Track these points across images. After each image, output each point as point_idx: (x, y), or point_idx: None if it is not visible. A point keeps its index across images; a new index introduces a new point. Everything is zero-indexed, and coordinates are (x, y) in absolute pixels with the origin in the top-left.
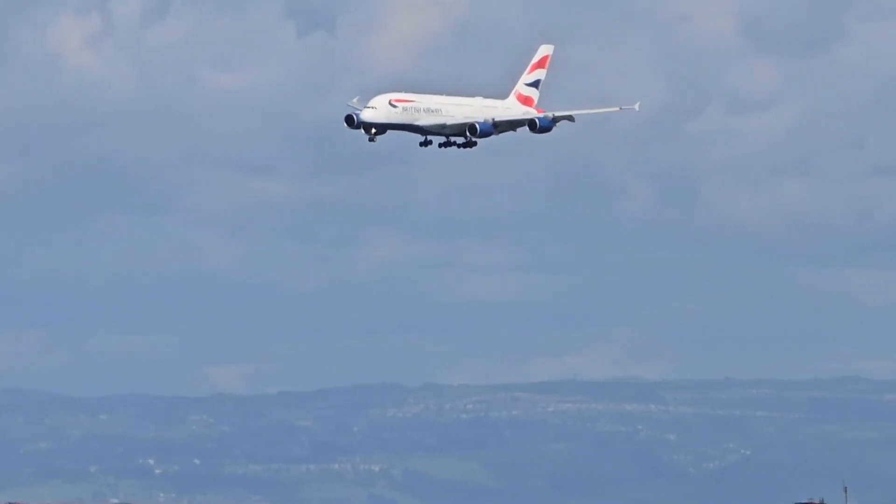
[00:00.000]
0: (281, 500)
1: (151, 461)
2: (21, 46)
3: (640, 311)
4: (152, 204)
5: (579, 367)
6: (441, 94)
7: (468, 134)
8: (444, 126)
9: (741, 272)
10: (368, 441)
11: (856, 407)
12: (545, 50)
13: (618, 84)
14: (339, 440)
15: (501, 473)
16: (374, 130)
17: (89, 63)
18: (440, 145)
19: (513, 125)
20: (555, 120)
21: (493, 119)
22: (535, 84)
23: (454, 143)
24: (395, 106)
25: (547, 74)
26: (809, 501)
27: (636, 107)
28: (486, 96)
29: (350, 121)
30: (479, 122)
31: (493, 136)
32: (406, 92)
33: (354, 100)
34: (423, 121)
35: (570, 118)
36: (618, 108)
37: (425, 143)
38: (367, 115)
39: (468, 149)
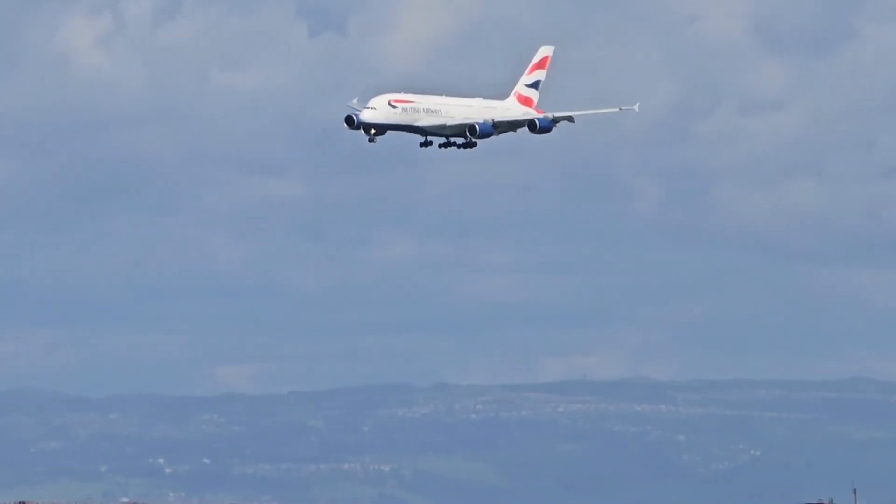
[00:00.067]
0: (290, 500)
1: (161, 460)
2: (32, 46)
3: (650, 311)
4: (162, 204)
5: (589, 368)
6: (441, 94)
7: (468, 134)
8: (443, 127)
9: (751, 273)
10: (378, 441)
11: (865, 408)
12: (545, 51)
13: (626, 85)
14: (349, 440)
15: (511, 473)
16: (373, 131)
17: (100, 63)
18: (440, 146)
19: (512, 126)
20: (554, 121)
21: (493, 120)
22: (535, 85)
23: (454, 144)
24: (394, 107)
25: (554, 75)
26: (819, 502)
27: (636, 107)
28: (486, 97)
29: (350, 121)
30: (478, 123)
31: (493, 137)
32: (406, 92)
33: (354, 100)
34: (423, 121)
35: (569, 119)
36: (617, 109)
37: (425, 144)
38: (366, 116)
39: (468, 149)
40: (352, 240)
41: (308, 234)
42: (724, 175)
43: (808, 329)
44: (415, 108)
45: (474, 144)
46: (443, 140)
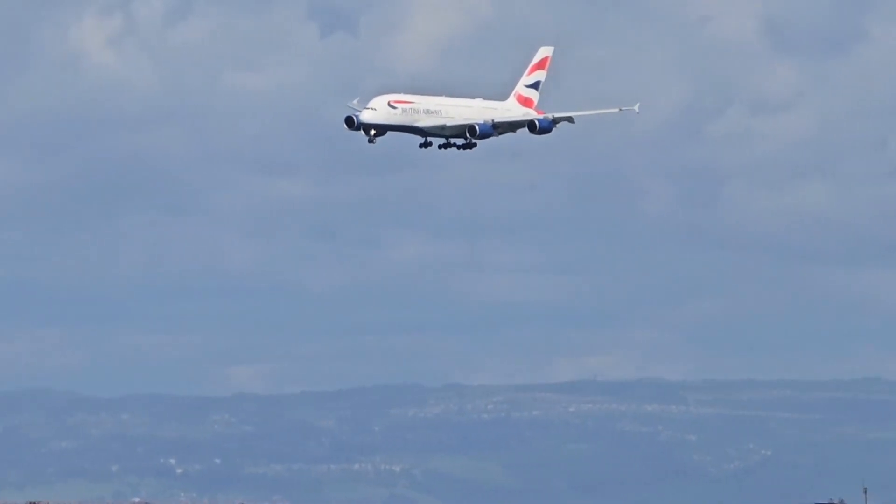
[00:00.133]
0: (302, 500)
1: (173, 461)
2: (43, 47)
3: (661, 311)
4: (174, 204)
5: (600, 368)
6: (441, 95)
7: (468, 135)
8: (443, 127)
9: (762, 273)
10: (389, 441)
11: (877, 408)
12: (545, 51)
13: (633, 86)
14: (361, 440)
15: (522, 474)
16: (373, 132)
17: (111, 63)
18: (440, 147)
19: (512, 126)
20: (554, 121)
21: (493, 120)
22: (535, 85)
23: (454, 145)
24: (394, 107)
25: (565, 75)
26: (830, 502)
27: (636, 108)
28: (487, 97)
29: (350, 122)
30: (478, 124)
31: (492, 138)
32: (405, 93)
33: (354, 101)
34: (423, 122)
35: (569, 119)
36: (618, 110)
37: (425, 145)
38: (366, 117)
39: (468, 150)
40: (364, 240)
41: (320, 235)
42: (735, 175)
43: (820, 329)
44: (414, 109)
45: (474, 145)
46: (442, 141)
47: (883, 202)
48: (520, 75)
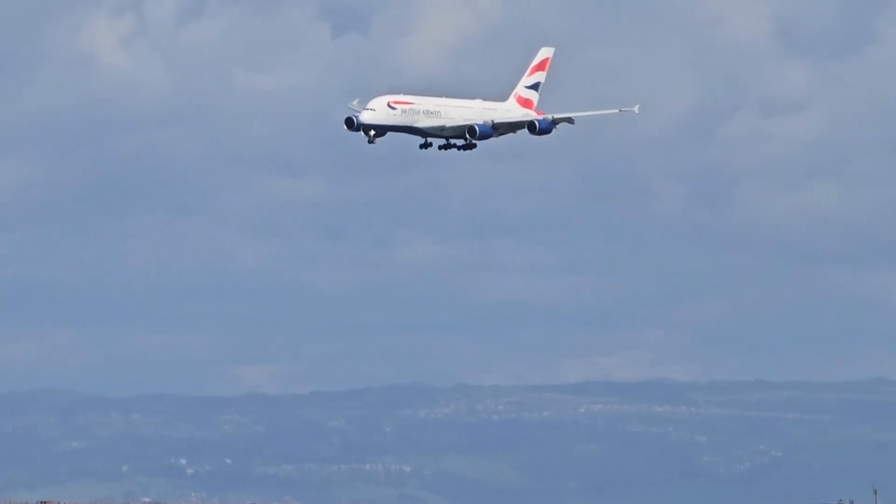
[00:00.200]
0: (312, 500)
1: (183, 461)
2: (55, 47)
3: (671, 312)
4: (185, 204)
5: (611, 369)
6: (441, 96)
7: (467, 136)
8: (443, 128)
9: (772, 274)
10: (400, 441)
11: (887, 409)
12: (545, 52)
13: (639, 87)
14: (371, 440)
15: (532, 474)
16: (373, 132)
17: (123, 63)
18: (440, 147)
19: (512, 127)
20: (554, 122)
21: (493, 121)
22: (535, 86)
23: (454, 146)
24: (393, 108)
25: (575, 76)
26: (839, 503)
27: (636, 109)
28: (487, 98)
29: (350, 123)
30: (478, 125)
31: (492, 139)
32: (405, 94)
33: (354, 102)
34: (423, 123)
35: (569, 120)
36: (617, 111)
37: (425, 146)
38: (365, 117)
39: (468, 151)
40: (374, 240)
41: (330, 235)
42: (746, 176)
43: (830, 330)
44: (414, 110)
45: (474, 146)
46: (443, 142)
47: (894, 203)
48: (520, 76)
